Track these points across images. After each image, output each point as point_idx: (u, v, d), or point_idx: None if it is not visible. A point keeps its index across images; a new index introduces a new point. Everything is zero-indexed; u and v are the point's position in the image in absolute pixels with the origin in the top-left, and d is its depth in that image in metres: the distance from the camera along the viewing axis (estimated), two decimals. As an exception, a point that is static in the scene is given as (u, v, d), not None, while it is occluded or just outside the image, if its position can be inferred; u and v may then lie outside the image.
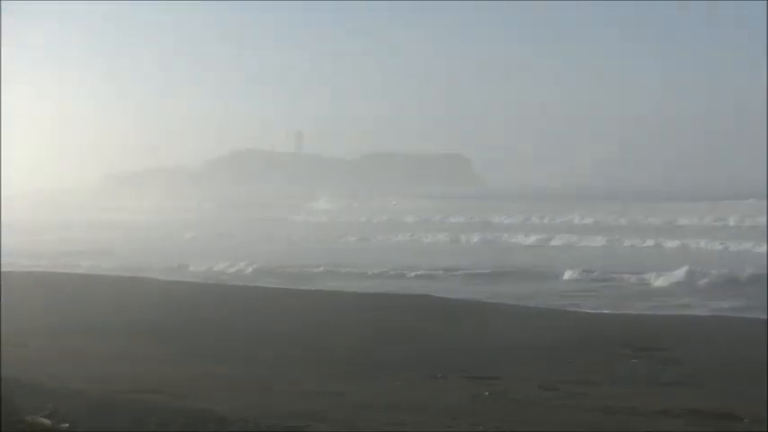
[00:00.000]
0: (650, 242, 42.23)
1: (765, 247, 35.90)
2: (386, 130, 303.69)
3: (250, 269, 32.14)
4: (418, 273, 30.32)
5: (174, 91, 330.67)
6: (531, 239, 45.68)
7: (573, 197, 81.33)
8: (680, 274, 27.50)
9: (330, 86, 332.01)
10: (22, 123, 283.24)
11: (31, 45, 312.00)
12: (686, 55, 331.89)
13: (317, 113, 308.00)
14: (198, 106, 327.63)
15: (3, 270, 27.70)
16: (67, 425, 7.78)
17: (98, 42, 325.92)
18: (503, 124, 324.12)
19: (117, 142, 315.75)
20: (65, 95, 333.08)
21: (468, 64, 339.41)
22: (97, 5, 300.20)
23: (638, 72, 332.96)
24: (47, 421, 7.83)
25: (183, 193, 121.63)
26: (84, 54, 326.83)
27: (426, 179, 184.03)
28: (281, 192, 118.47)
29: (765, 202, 55.43)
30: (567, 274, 28.93)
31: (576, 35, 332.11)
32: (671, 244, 41.08)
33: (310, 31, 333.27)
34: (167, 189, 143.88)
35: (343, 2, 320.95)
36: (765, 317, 20.07)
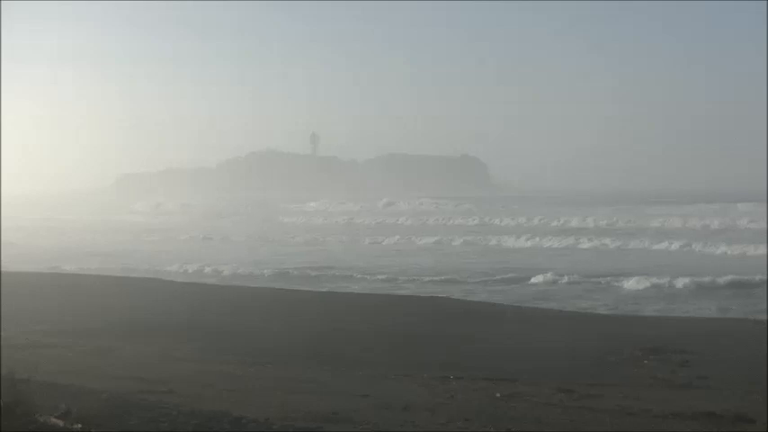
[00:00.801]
0: (656, 245, 42.82)
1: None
2: (401, 131, 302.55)
3: (254, 270, 32.39)
4: (408, 276, 30.56)
5: (188, 91, 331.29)
6: (528, 243, 46.47)
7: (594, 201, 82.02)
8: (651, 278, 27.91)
9: (346, 88, 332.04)
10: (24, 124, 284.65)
11: (29, 46, 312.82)
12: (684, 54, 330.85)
13: (333, 115, 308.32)
14: (211, 108, 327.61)
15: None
16: (80, 425, 7.77)
17: (107, 42, 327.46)
18: (519, 127, 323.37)
19: (132, 143, 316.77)
20: (75, 96, 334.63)
21: (478, 64, 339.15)
22: (95, 5, 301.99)
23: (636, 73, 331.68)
24: (59, 422, 7.83)
25: (194, 194, 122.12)
26: (93, 54, 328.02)
27: (440, 181, 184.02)
28: (292, 194, 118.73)
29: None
30: (539, 278, 29.23)
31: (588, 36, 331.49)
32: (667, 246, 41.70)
33: (324, 33, 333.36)
34: (179, 190, 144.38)
35: (356, 2, 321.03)
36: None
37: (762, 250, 37.87)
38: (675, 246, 41.95)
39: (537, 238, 47.57)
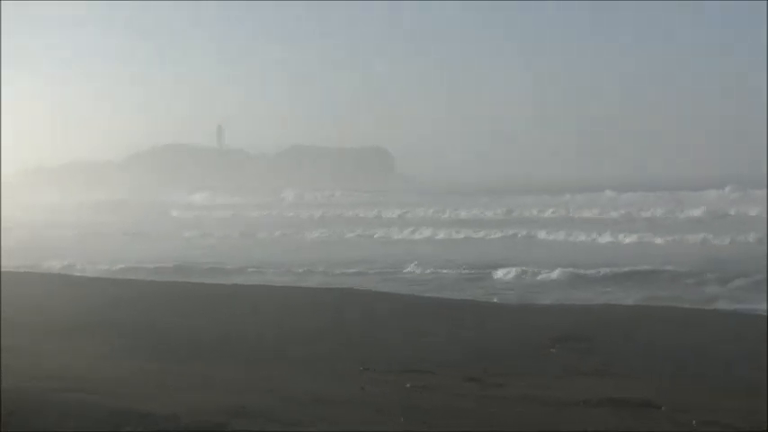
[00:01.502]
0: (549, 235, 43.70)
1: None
2: (307, 122, 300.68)
3: (149, 265, 32.04)
4: (304, 268, 30.61)
5: (93, 86, 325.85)
6: (427, 233, 47.14)
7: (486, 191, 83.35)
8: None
9: (258, 80, 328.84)
10: None
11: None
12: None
13: (239, 108, 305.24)
14: (118, 102, 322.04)
15: None
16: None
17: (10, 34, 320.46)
18: (433, 120, 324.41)
19: (36, 137, 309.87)
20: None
21: (387, 56, 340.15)
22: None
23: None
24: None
25: (96, 188, 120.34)
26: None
27: (348, 173, 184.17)
28: (196, 187, 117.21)
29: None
30: (420, 269, 29.66)
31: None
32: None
33: (228, 25, 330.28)
34: (81, 184, 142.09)
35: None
36: (675, 306, 21.15)
37: (646, 239, 39.81)
38: (572, 236, 42.74)
39: (432, 229, 48.22)
